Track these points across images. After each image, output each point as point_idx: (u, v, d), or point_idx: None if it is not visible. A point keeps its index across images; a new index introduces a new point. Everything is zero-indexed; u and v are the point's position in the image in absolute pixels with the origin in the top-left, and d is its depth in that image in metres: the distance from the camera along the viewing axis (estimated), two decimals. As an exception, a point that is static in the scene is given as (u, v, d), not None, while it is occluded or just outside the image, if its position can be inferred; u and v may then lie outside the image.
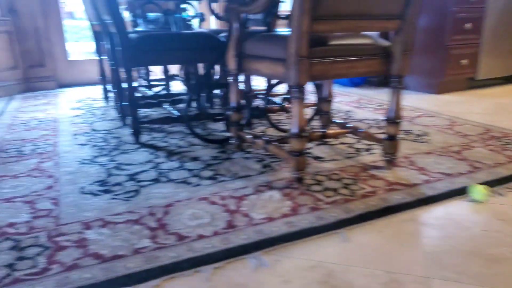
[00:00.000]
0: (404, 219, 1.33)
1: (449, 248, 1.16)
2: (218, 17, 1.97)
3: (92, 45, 3.30)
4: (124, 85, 2.36)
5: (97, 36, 3.16)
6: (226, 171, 1.76)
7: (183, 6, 3.01)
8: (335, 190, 1.54)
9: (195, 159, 1.91)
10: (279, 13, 2.31)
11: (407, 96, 3.36)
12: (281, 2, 2.02)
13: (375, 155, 1.91)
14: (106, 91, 3.27)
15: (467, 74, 3.47)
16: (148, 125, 2.48)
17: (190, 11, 3.25)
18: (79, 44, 8.10)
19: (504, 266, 1.08)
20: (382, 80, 3.94)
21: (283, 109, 2.55)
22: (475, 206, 1.41)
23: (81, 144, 2.19)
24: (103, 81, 3.24)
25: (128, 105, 2.07)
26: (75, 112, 3.01)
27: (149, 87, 3.55)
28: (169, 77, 3.39)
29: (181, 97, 2.89)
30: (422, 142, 2.12)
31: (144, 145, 2.15)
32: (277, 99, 2.87)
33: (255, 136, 1.82)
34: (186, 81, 2.79)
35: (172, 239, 1.22)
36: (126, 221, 1.34)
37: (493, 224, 1.30)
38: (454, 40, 3.26)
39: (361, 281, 1.03)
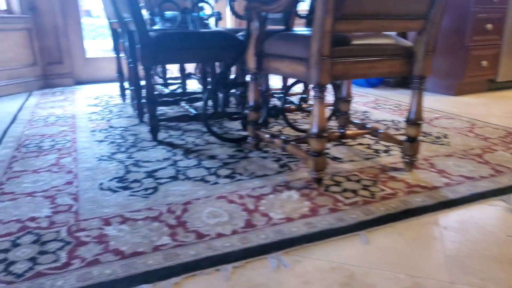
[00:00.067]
0: (425, 222, 1.31)
1: (473, 253, 1.14)
2: (238, 16, 1.96)
3: (110, 43, 3.33)
4: (142, 83, 2.37)
5: (115, 34, 3.18)
6: (243, 170, 1.75)
7: (200, 5, 3.01)
8: (354, 191, 1.53)
9: (212, 157, 1.91)
10: (298, 12, 2.30)
11: (424, 97, 3.31)
12: (300, 1, 2.01)
13: (394, 157, 1.89)
14: (123, 89, 3.29)
15: (487, 76, 3.41)
16: (165, 122, 2.49)
17: (207, 10, 3.26)
18: (96, 41, 8.19)
19: (530, 272, 1.06)
20: (398, 80, 3.90)
21: (300, 108, 2.54)
22: (499, 210, 1.38)
23: (99, 141, 2.20)
24: (120, 78, 3.26)
25: (146, 102, 2.08)
26: (92, 109, 3.04)
27: (166, 85, 3.57)
28: (185, 76, 3.40)
29: (198, 95, 2.89)
30: (441, 144, 2.09)
31: (161, 142, 2.15)
32: (294, 99, 2.86)
33: (273, 136, 1.81)
34: (203, 79, 2.79)
35: (192, 237, 1.22)
36: (145, 218, 1.34)
37: (517, 229, 1.27)
38: (474, 40, 3.21)
39: (383, 284, 1.02)
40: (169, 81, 3.64)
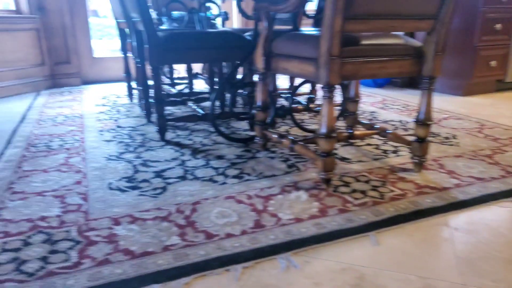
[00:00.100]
0: (435, 224, 1.30)
1: (485, 255, 1.13)
2: (246, 16, 1.96)
3: (117, 43, 3.34)
4: (150, 83, 2.38)
5: (123, 34, 3.19)
6: (251, 170, 1.75)
7: (207, 4, 3.02)
8: (363, 192, 1.52)
9: (220, 157, 1.92)
10: (306, 12, 2.29)
11: (432, 97, 3.30)
12: (309, 1, 2.00)
13: (403, 157, 1.88)
14: (130, 88, 3.30)
15: (496, 76, 3.39)
16: (173, 122, 2.50)
17: (214, 9, 3.26)
18: (102, 41, 8.23)
19: (543, 275, 1.05)
20: (405, 81, 3.88)
21: (307, 108, 2.53)
22: (510, 212, 1.37)
23: (107, 140, 2.21)
24: (127, 78, 3.28)
25: (154, 102, 2.08)
26: (100, 108, 3.05)
27: (172, 85, 3.57)
28: (192, 76, 3.41)
29: (205, 95, 2.90)
30: (450, 145, 2.08)
31: (169, 142, 2.16)
32: (301, 99, 2.86)
33: (281, 136, 1.81)
34: (210, 79, 2.79)
35: (201, 237, 1.22)
36: (155, 217, 1.34)
37: (529, 231, 1.26)
38: (483, 41, 3.19)
39: (394, 285, 1.01)
40: (176, 81, 3.65)
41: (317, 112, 2.68)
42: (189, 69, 3.41)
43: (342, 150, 1.99)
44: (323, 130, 1.46)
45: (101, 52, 5.23)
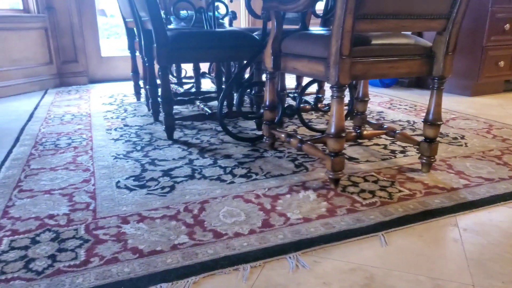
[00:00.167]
0: (445, 224, 1.29)
1: (495, 256, 1.12)
2: (255, 15, 1.96)
3: (124, 42, 3.35)
4: (158, 82, 2.38)
5: (131, 33, 3.20)
6: (259, 169, 1.75)
7: (215, 4, 3.01)
8: (372, 192, 1.51)
9: (227, 156, 1.91)
10: (316, 12, 2.29)
11: (440, 98, 3.27)
12: (319, 0, 1.99)
13: (411, 157, 1.87)
14: (137, 87, 3.31)
15: (505, 77, 3.36)
16: (180, 121, 2.50)
17: (221, 9, 3.26)
18: (110, 40, 8.26)
19: (555, 277, 1.04)
20: (413, 81, 3.86)
21: (315, 108, 2.53)
22: (520, 213, 1.36)
23: (115, 139, 2.22)
24: (135, 77, 3.28)
25: (162, 101, 2.09)
26: (107, 107, 3.06)
27: (180, 84, 3.58)
28: (199, 75, 3.41)
29: (212, 94, 2.90)
30: (459, 145, 2.06)
31: (176, 141, 2.16)
32: (308, 98, 2.85)
33: (288, 135, 1.81)
34: (217, 78, 2.79)
35: (209, 236, 1.22)
36: (163, 216, 1.34)
37: (540, 232, 1.24)
38: (492, 41, 3.16)
39: (403, 286, 1.00)
40: (183, 80, 3.65)
41: (325, 112, 2.67)
42: (196, 69, 3.41)
43: (349, 150, 1.98)
44: (333, 129, 1.45)
45: (108, 51, 5.25)
